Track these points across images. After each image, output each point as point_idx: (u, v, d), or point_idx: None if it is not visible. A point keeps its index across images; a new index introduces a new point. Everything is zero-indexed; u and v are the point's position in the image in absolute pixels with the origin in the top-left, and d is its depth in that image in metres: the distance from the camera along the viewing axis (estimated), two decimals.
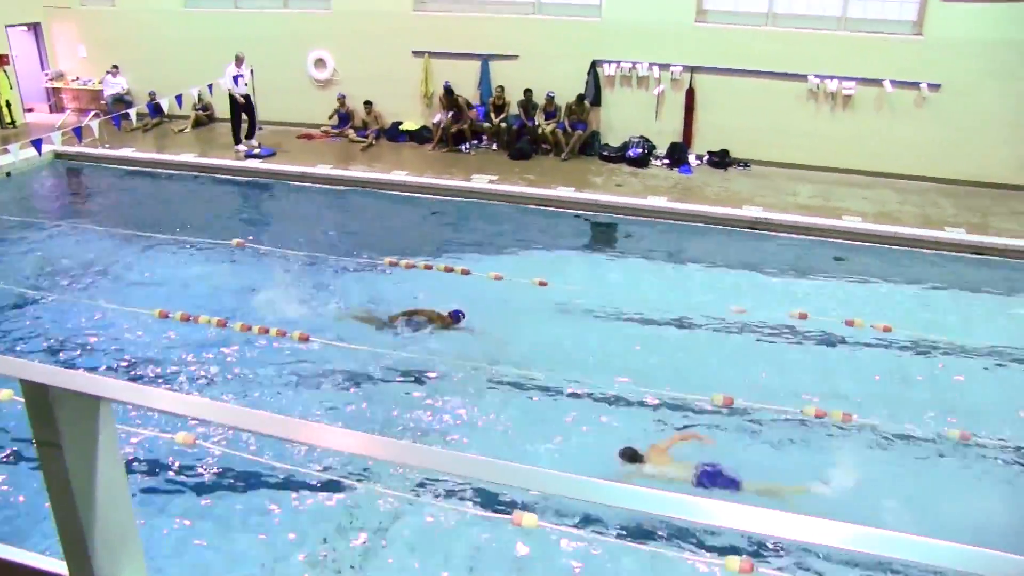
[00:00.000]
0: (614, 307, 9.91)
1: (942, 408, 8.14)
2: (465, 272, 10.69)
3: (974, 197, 13.96)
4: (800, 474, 7.06)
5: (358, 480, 6.65)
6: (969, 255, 11.96)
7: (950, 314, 10.41)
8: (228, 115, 16.08)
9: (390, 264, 10.92)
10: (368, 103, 16.58)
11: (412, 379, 8.30)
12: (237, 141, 15.84)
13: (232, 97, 15.70)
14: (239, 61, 15.42)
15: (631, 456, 6.94)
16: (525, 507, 6.26)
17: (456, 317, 9.24)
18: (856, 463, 7.26)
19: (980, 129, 14.33)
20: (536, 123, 15.59)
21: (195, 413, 2.09)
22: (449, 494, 6.47)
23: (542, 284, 10.36)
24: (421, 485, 6.53)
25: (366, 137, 16.39)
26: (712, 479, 6.77)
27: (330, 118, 17.00)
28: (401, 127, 16.77)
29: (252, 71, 15.65)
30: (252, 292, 10.12)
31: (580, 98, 15.34)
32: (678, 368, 8.63)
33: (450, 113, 15.77)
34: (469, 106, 15.95)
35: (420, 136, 16.56)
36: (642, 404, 7.99)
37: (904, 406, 8.17)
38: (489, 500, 6.42)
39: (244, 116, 15.93)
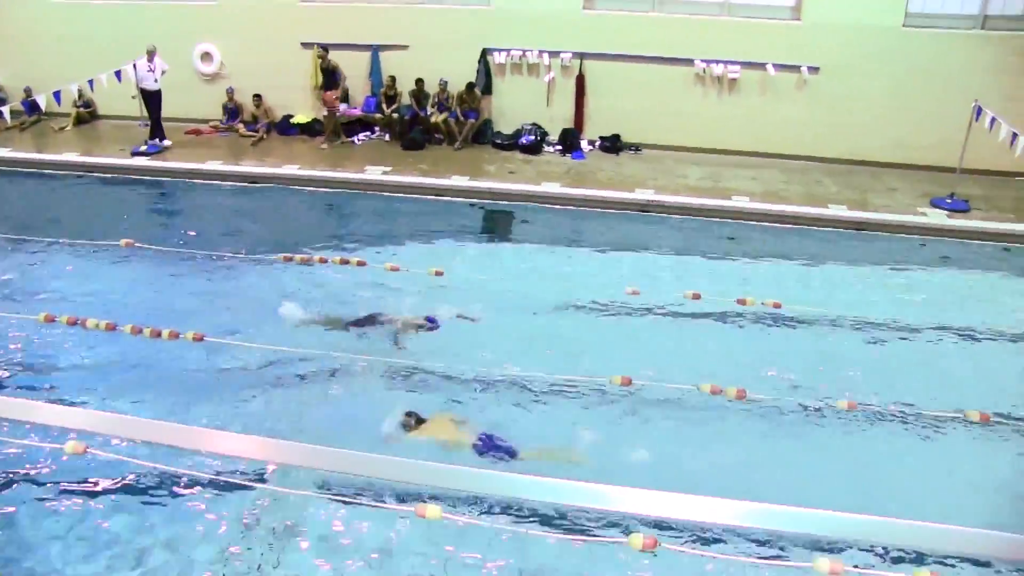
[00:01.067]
0: (511, 293, 9.92)
1: (831, 379, 8.43)
2: (361, 264, 10.56)
3: (854, 175, 14.49)
4: (691, 449, 7.23)
5: (259, 481, 6.49)
6: (851, 230, 12.38)
7: (835, 288, 10.79)
8: (114, 112, 15.46)
9: (284, 260, 10.69)
10: (257, 97, 16.21)
11: (311, 376, 8.17)
12: (160, 137, 15.33)
13: (144, 92, 15.11)
14: (149, 55, 14.81)
15: (417, 420, 7.11)
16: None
17: (431, 321, 9.11)
18: (743, 437, 7.48)
19: (857, 110, 14.89)
20: (428, 113, 15.49)
21: (81, 425, 2.00)
22: (351, 491, 6.38)
23: (438, 274, 10.31)
24: (324, 486, 6.41)
25: (256, 131, 16.02)
26: (489, 446, 6.93)
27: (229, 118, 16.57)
28: (292, 120, 16.45)
29: (164, 68, 15.14)
30: (142, 293, 9.79)
31: (470, 86, 15.31)
32: (575, 351, 8.69)
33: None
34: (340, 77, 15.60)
35: (312, 129, 16.26)
36: (541, 389, 8.03)
37: (794, 379, 8.43)
38: (392, 494, 6.34)
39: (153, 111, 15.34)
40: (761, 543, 6.07)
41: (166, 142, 15.29)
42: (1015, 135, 11.56)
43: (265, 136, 15.95)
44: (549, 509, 6.17)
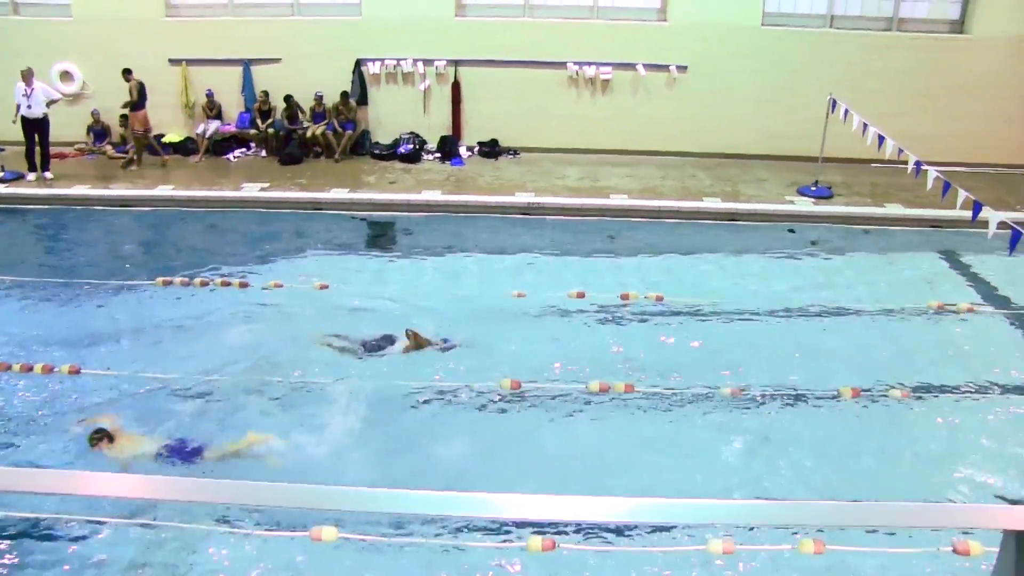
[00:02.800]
0: (397, 304, 9.96)
1: (714, 366, 8.77)
2: (243, 284, 10.41)
3: (725, 168, 15.04)
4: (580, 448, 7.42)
5: (147, 519, 6.35)
6: (725, 221, 12.85)
7: (714, 277, 11.20)
8: None
9: (163, 283, 10.43)
10: (125, 116, 15.70)
11: (191, 394, 8.05)
12: (31, 168, 14.25)
13: (24, 119, 14.11)
14: (24, 77, 13.90)
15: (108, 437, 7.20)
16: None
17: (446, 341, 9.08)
18: (632, 428, 7.73)
19: (725, 105, 15.47)
20: (305, 126, 15.34)
21: None
22: (242, 519, 6.31)
23: (323, 287, 10.26)
24: (219, 518, 6.32)
25: (126, 152, 15.53)
26: (178, 452, 7.14)
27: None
28: (163, 140, 15.99)
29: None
30: (8, 328, 9.42)
31: (344, 95, 15.20)
32: (464, 357, 8.80)
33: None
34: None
35: (185, 148, 15.88)
36: (427, 397, 8.10)
37: (679, 369, 8.73)
38: (285, 520, 6.30)
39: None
40: (654, 532, 6.32)
41: (47, 174, 14.30)
42: (866, 125, 12.19)
43: (136, 157, 15.47)
44: (452, 523, 6.26)
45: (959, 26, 15.72)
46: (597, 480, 7.12)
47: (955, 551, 5.80)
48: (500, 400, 8.10)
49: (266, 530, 6.20)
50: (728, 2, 15.11)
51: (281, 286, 10.35)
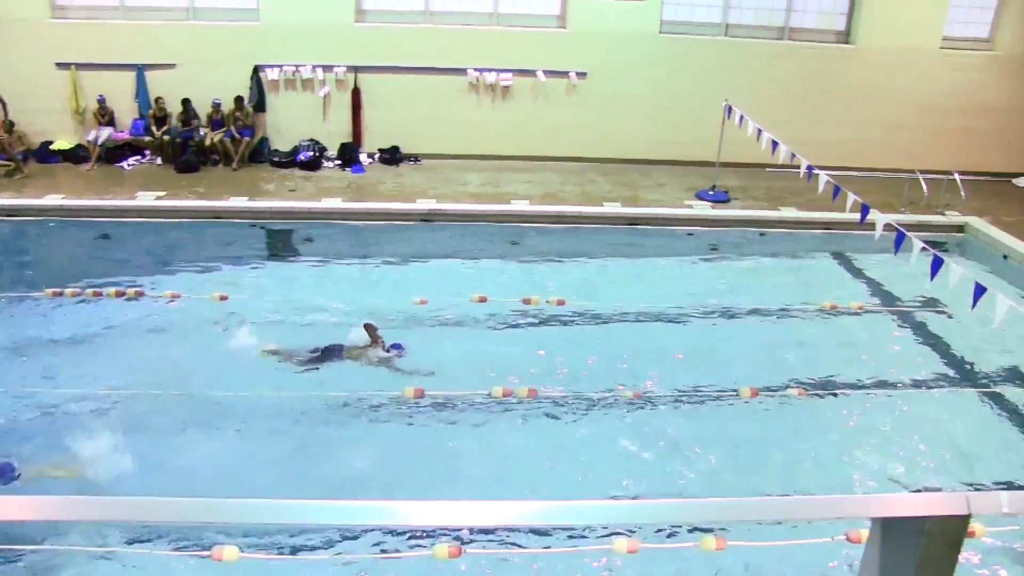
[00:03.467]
0: (300, 312, 9.81)
1: (616, 369, 8.90)
2: (139, 294, 10.12)
3: (625, 173, 15.28)
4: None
5: (40, 542, 6.09)
6: (625, 226, 13.04)
7: (615, 282, 11.37)
8: None
9: (53, 295, 10.04)
10: (8, 123, 15.06)
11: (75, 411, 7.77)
12: None
13: None
14: None
15: None
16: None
17: (397, 347, 8.98)
18: (534, 433, 7.78)
19: (624, 111, 15.74)
20: (202, 133, 14.98)
21: None
22: (141, 539, 6.12)
23: (223, 298, 10.04)
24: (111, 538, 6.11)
25: (9, 162, 14.89)
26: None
27: None
28: (52, 147, 15.40)
29: None
30: None
31: (239, 100, 14.84)
32: (366, 365, 8.72)
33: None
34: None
35: (76, 156, 15.31)
36: (324, 406, 8.01)
37: (582, 372, 8.83)
38: (186, 538, 6.14)
39: None
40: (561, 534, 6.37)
41: None
42: (760, 131, 12.53)
43: (22, 166, 14.85)
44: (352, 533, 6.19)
45: (845, 36, 16.36)
46: (503, 485, 7.14)
47: (848, 539, 6.02)
48: (404, 407, 8.06)
49: (167, 550, 6.03)
50: (626, 10, 15.35)
51: (179, 296, 10.09)
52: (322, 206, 12.78)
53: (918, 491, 7.19)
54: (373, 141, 15.59)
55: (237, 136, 14.83)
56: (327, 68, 15.22)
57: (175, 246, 11.99)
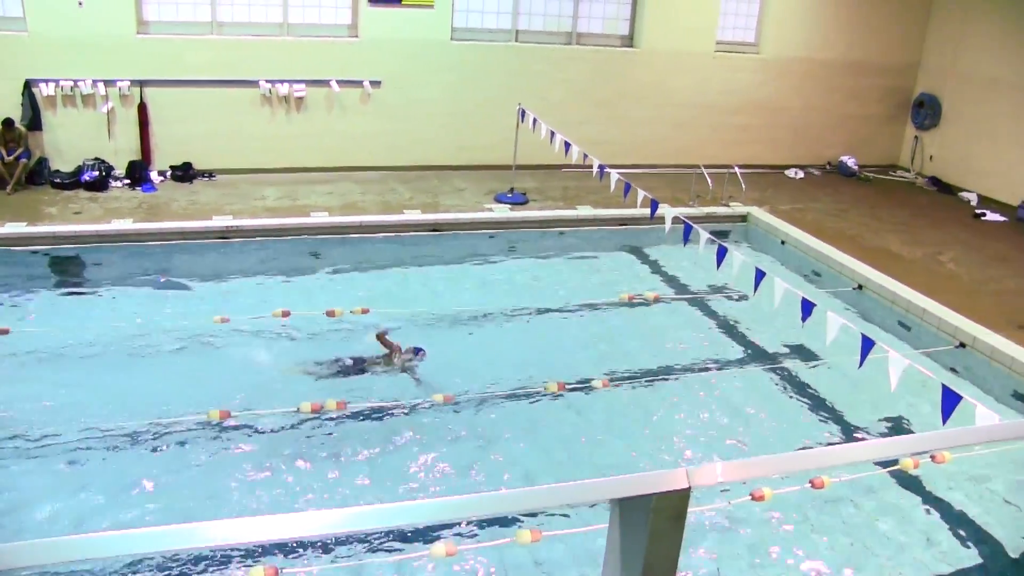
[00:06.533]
0: (92, 342, 9.36)
1: (423, 375, 8.99)
2: None
3: (424, 180, 15.42)
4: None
5: None
6: (428, 232, 13.17)
7: (421, 287, 11.50)
8: None
9: None
10: None
11: None
12: None
13: None
14: None
15: None
16: None
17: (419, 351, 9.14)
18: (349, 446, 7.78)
19: (421, 119, 15.88)
20: None
21: None
22: None
23: (3, 332, 9.42)
24: None
25: None
26: None
27: None
28: None
29: None
30: None
31: (7, 122, 13.72)
32: (170, 391, 8.44)
33: None
34: None
35: None
36: (126, 437, 7.70)
37: (390, 381, 8.90)
38: None
39: None
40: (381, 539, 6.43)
41: None
42: (553, 133, 12.97)
43: None
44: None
45: (629, 40, 17.15)
46: (311, 501, 7.10)
47: None
48: (209, 429, 7.87)
49: None
50: (417, 18, 15.49)
51: None
52: (112, 228, 12.15)
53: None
54: (164, 158, 14.96)
55: (8, 158, 13.74)
56: (109, 83, 14.46)
57: None
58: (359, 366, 9.07)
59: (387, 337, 9.36)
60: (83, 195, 13.65)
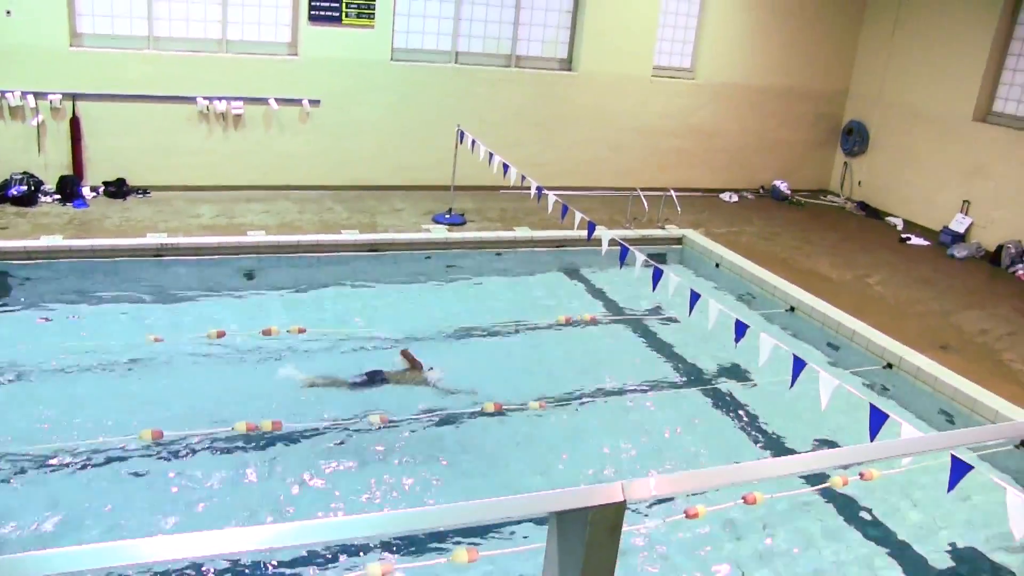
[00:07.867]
0: (14, 364, 9.11)
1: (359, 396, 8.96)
2: None
3: (362, 200, 15.36)
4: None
5: None
6: (365, 252, 13.13)
7: (358, 307, 11.43)
8: None
9: None
10: None
11: None
12: None
13: None
14: None
15: None
16: None
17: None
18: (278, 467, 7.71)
19: (359, 138, 15.85)
20: None
21: None
22: None
23: None
24: None
25: None
26: None
27: None
28: None
29: None
30: None
31: None
32: (95, 414, 8.25)
33: None
34: None
35: None
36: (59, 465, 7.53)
37: (327, 401, 8.83)
38: None
39: None
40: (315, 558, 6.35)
41: None
42: (492, 154, 13.05)
43: None
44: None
45: (568, 64, 17.36)
46: (245, 520, 7.02)
47: None
48: (143, 451, 7.73)
49: None
50: (357, 38, 15.48)
51: None
52: (41, 245, 11.86)
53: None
54: (96, 173, 14.68)
55: None
56: (40, 95, 14.17)
57: None
58: (378, 378, 9.30)
59: (413, 356, 9.70)
60: (10, 210, 13.31)
